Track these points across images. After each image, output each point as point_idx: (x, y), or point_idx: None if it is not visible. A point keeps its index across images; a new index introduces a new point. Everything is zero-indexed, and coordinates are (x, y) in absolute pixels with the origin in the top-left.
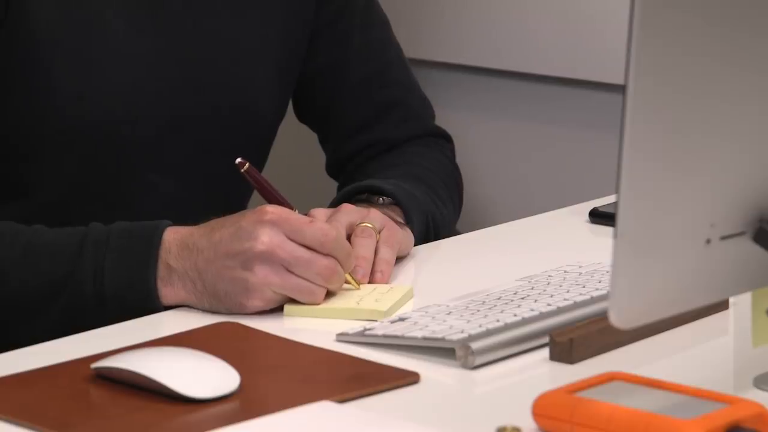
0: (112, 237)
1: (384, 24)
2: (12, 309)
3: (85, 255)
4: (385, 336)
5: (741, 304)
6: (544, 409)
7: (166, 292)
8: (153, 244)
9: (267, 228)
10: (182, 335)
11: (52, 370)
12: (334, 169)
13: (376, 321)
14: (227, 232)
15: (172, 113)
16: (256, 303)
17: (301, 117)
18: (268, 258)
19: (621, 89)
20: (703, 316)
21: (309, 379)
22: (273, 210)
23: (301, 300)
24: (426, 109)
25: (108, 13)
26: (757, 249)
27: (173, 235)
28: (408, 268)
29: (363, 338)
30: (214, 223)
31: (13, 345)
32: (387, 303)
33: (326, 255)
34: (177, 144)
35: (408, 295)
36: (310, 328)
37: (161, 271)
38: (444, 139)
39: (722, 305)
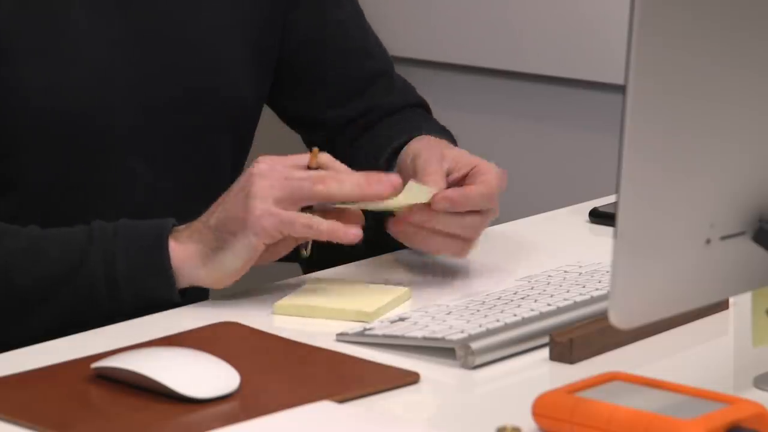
0: (120, 229)
1: (354, 3)
2: (22, 300)
3: (94, 243)
4: (385, 336)
5: (741, 304)
6: (544, 409)
7: (176, 248)
8: (165, 229)
9: (261, 163)
10: (182, 335)
11: (52, 370)
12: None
13: (367, 322)
14: (228, 193)
15: (147, 100)
16: (258, 208)
17: (287, 99)
18: (268, 172)
19: (621, 89)
20: (703, 316)
21: (309, 379)
22: (263, 159)
23: (307, 197)
24: (409, 84)
25: (72, 3)
26: (757, 249)
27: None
28: (407, 268)
29: (363, 338)
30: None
31: (13, 345)
32: (375, 305)
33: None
34: (155, 131)
35: (403, 297)
36: (310, 328)
37: (171, 242)
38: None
39: (722, 305)
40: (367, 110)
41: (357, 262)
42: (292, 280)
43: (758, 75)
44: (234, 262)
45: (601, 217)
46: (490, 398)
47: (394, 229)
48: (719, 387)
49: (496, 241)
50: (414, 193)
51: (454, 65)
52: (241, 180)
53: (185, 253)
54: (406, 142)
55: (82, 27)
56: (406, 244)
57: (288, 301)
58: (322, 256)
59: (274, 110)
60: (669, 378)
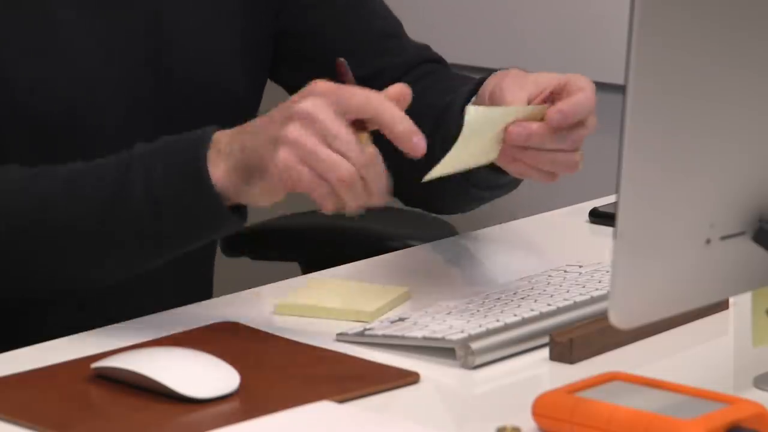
0: (158, 149)
1: None
2: (61, 240)
3: (132, 168)
4: (385, 336)
5: (741, 304)
6: (544, 409)
7: (213, 171)
8: (204, 141)
9: (312, 94)
10: (182, 335)
11: (52, 370)
12: None
13: (367, 322)
14: (277, 109)
15: (135, 98)
16: (286, 158)
17: (294, 71)
18: (307, 119)
19: (621, 89)
20: (703, 316)
21: (309, 379)
22: (323, 83)
23: (322, 171)
24: (422, 44)
25: (59, 2)
26: (757, 249)
27: (224, 132)
28: (406, 269)
29: (363, 338)
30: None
31: (13, 345)
32: (375, 305)
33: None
34: (144, 129)
35: (402, 298)
36: (310, 328)
37: (211, 154)
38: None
39: (722, 305)
40: (378, 71)
41: (357, 262)
42: (292, 280)
43: (758, 75)
44: (262, 199)
45: (601, 217)
46: (490, 398)
47: (504, 162)
48: (719, 387)
49: (496, 241)
50: (499, 114)
51: (453, 65)
52: (282, 110)
53: (217, 172)
54: (474, 90)
55: (70, 26)
56: (521, 175)
57: (288, 301)
58: (322, 256)
59: (283, 87)
60: (669, 378)
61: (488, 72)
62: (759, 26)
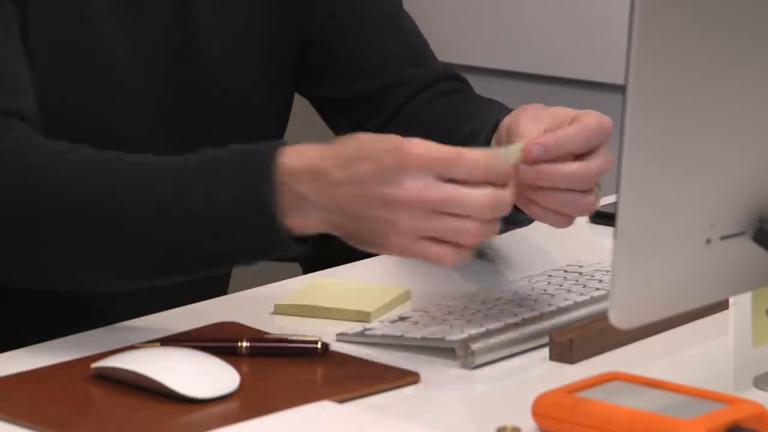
0: (224, 158)
1: None
2: (129, 232)
3: (194, 182)
4: (385, 336)
5: (741, 304)
6: (544, 409)
7: (298, 223)
8: (271, 161)
9: (412, 172)
10: (182, 335)
11: (52, 370)
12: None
13: (367, 322)
14: (367, 169)
15: (164, 108)
16: (402, 242)
17: (316, 83)
18: (417, 205)
19: (621, 89)
20: (703, 316)
21: (309, 379)
22: (417, 151)
23: (453, 241)
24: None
25: (92, 12)
26: (757, 249)
27: (297, 160)
28: (407, 268)
29: (363, 338)
30: (347, 150)
31: (13, 345)
32: (375, 305)
33: (482, 185)
34: (172, 140)
35: (403, 297)
36: (310, 328)
37: (291, 198)
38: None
39: (722, 305)
40: (402, 80)
41: (357, 262)
42: (292, 280)
43: (758, 75)
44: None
45: (601, 217)
46: (490, 398)
47: (522, 204)
48: (719, 387)
49: (496, 241)
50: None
51: (453, 65)
52: (386, 191)
53: (308, 226)
54: (495, 126)
55: (103, 37)
56: (539, 219)
57: (288, 301)
58: (322, 256)
59: (309, 99)
60: (669, 378)
61: (488, 72)
62: (759, 26)
